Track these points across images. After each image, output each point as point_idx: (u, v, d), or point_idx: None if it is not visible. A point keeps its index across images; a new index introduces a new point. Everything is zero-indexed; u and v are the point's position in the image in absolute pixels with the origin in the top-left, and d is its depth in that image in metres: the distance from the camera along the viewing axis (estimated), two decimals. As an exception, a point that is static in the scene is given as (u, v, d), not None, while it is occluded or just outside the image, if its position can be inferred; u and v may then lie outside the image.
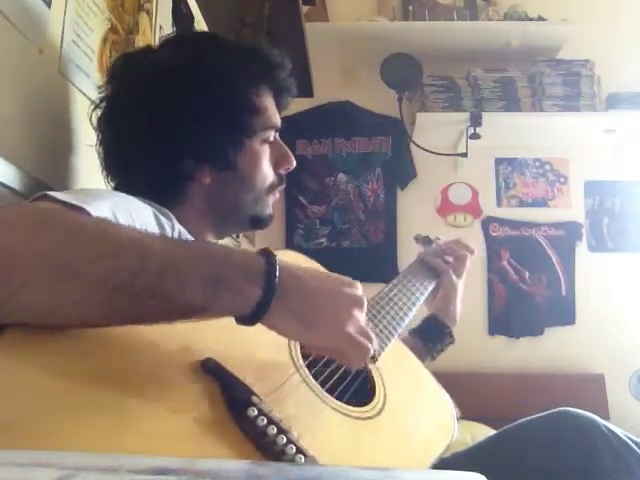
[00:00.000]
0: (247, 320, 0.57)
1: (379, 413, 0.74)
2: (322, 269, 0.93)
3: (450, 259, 1.23)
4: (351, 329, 0.61)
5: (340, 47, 2.66)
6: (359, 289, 0.66)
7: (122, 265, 0.51)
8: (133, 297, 0.51)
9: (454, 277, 1.22)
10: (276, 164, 0.96)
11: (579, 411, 0.95)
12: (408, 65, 2.43)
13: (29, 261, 0.49)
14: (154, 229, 0.74)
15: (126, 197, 0.75)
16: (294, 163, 0.98)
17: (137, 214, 0.71)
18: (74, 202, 0.59)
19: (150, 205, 0.78)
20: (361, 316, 0.64)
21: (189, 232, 0.85)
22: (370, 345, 0.62)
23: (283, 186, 0.98)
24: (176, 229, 0.80)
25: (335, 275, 0.66)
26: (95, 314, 0.52)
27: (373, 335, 0.64)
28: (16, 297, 0.49)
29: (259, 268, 0.58)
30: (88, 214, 0.59)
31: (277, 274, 0.58)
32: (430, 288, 1.17)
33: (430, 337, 1.17)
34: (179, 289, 0.53)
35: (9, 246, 0.49)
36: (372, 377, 0.79)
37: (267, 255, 0.59)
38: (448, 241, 1.29)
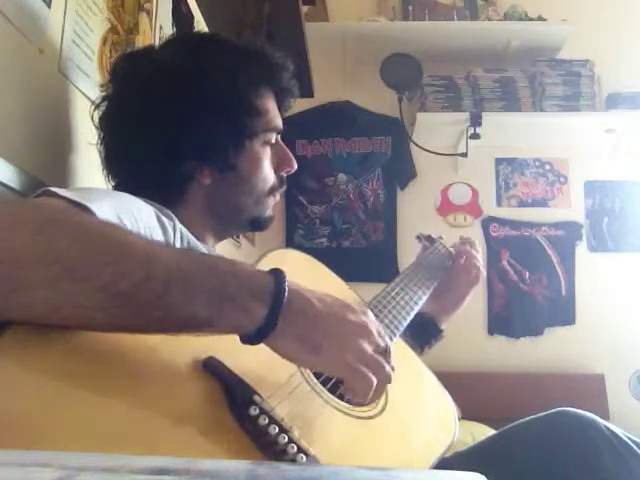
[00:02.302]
0: (251, 339, 0.57)
1: (381, 412, 0.74)
2: (324, 267, 0.93)
3: (462, 261, 1.23)
4: (353, 359, 0.60)
5: (340, 47, 2.66)
6: (368, 316, 0.65)
7: (127, 272, 0.50)
8: (137, 306, 0.51)
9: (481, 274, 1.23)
10: (277, 166, 0.95)
11: (579, 411, 0.95)
12: (408, 65, 2.43)
13: (32, 259, 0.49)
14: (156, 229, 0.74)
15: (128, 197, 0.75)
16: (295, 166, 0.97)
17: (139, 214, 0.71)
18: (79, 200, 0.59)
19: (152, 205, 0.78)
20: (367, 345, 0.62)
21: (190, 232, 0.84)
22: (373, 377, 0.60)
23: (284, 188, 0.98)
24: (177, 229, 0.80)
25: (344, 301, 0.64)
26: (95, 319, 0.51)
27: (384, 362, 0.62)
28: (18, 295, 0.48)
29: (267, 287, 0.57)
30: (93, 214, 0.58)
31: (285, 295, 0.57)
32: (432, 287, 1.17)
33: (421, 337, 1.15)
34: (184, 302, 0.52)
35: (14, 243, 0.49)
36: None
37: (276, 274, 0.58)
38: (456, 245, 1.29)
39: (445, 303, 1.22)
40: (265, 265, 0.78)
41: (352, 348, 0.60)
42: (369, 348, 0.62)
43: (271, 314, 0.56)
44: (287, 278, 0.58)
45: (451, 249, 1.28)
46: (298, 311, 0.58)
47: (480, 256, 1.26)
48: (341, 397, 0.71)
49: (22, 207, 0.56)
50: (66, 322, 0.51)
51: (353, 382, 0.61)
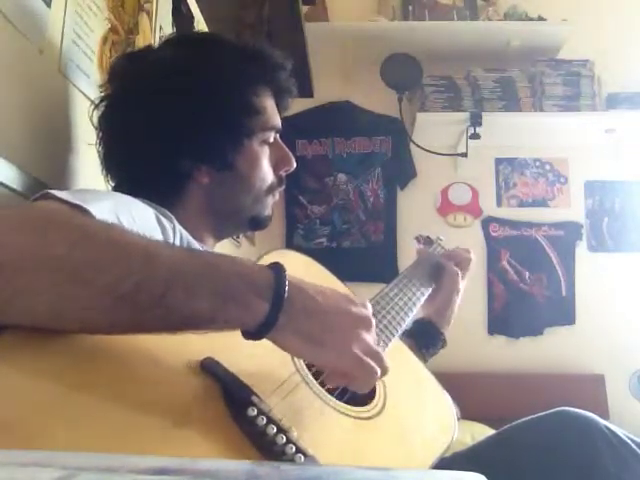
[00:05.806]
0: (252, 335, 0.57)
1: (379, 413, 0.74)
2: (322, 268, 0.93)
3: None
4: (358, 350, 0.60)
5: (340, 47, 2.66)
6: (368, 309, 0.65)
7: (128, 273, 0.50)
8: (139, 306, 0.51)
9: (460, 277, 1.20)
10: (276, 165, 0.96)
11: (579, 411, 0.95)
12: (408, 65, 2.44)
13: (35, 265, 0.48)
14: (156, 230, 0.74)
15: (127, 198, 0.75)
16: (294, 165, 0.97)
17: (138, 215, 0.71)
18: (77, 202, 0.59)
19: (151, 206, 0.78)
20: (369, 337, 0.62)
21: (188, 233, 0.84)
22: (377, 367, 0.61)
23: (283, 187, 0.98)
24: (177, 230, 0.80)
25: (344, 293, 0.64)
26: (98, 321, 0.51)
27: (384, 355, 0.63)
28: (19, 299, 0.48)
29: (268, 283, 0.57)
30: (92, 216, 0.58)
31: (286, 290, 0.57)
32: (430, 289, 1.17)
33: (424, 342, 1.14)
34: (186, 300, 0.52)
35: (15, 248, 0.48)
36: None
37: (276, 269, 0.58)
38: (450, 250, 1.28)
39: (436, 306, 1.20)
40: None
41: (356, 339, 0.61)
42: (371, 339, 0.62)
43: (272, 310, 0.56)
44: (287, 272, 0.58)
45: (450, 249, 1.28)
46: (299, 305, 0.58)
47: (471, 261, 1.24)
48: (340, 397, 0.71)
49: (22, 211, 0.56)
50: (68, 326, 0.51)
51: (359, 373, 0.61)
